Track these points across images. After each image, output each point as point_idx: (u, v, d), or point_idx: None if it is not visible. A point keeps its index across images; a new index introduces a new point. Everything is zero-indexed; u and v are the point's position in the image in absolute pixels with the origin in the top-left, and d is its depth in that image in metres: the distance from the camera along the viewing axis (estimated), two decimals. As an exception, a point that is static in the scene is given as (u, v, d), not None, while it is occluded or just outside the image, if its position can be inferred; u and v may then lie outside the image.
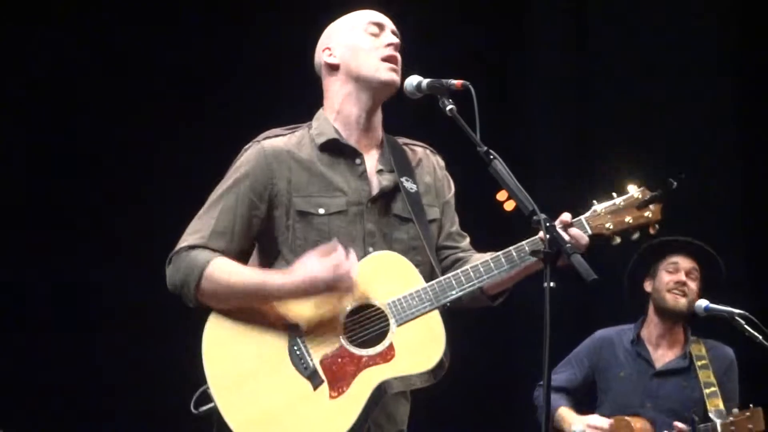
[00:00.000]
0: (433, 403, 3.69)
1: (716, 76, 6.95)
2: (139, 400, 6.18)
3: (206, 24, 6.55)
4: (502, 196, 3.45)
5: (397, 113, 3.75)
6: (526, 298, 3.71)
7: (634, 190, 3.69)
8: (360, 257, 3.52)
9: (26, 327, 6.31)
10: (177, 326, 3.91)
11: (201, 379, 3.46)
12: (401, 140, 3.77)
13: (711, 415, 5.31)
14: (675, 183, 3.58)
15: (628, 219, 3.65)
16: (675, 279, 5.54)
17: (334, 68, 3.65)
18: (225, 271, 3.48)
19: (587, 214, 3.64)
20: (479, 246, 3.78)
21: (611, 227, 3.63)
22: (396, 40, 3.65)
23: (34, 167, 6.40)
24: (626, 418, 5.45)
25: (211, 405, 3.44)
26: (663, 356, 5.62)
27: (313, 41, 3.76)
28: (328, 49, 3.68)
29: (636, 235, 3.69)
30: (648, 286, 5.67)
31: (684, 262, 5.57)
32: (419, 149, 3.79)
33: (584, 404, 5.66)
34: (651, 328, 5.65)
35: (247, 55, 6.55)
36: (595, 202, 3.66)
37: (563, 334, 3.29)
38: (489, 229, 4.11)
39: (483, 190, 3.65)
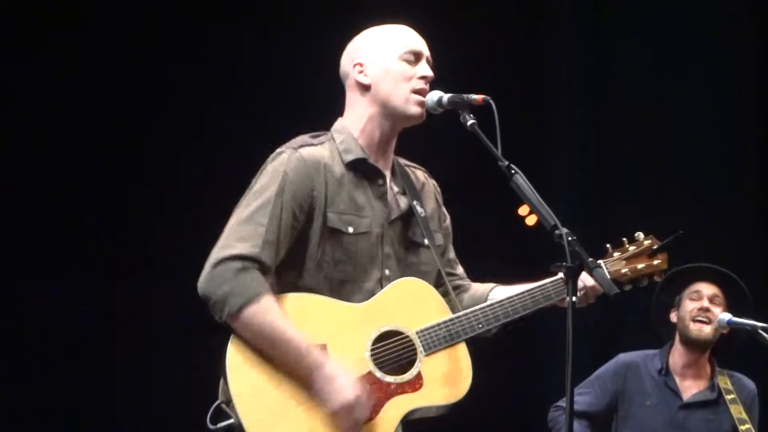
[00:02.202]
0: (450, 425, 3.68)
1: (735, 95, 6.99)
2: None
3: (215, 37, 6.57)
4: (524, 210, 3.47)
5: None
6: (546, 313, 3.73)
7: (642, 237, 3.76)
8: (377, 280, 3.53)
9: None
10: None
11: (220, 393, 3.40)
12: (402, 161, 3.74)
13: None
14: (682, 233, 3.76)
15: (641, 266, 3.78)
16: (698, 306, 5.51)
17: (364, 87, 3.59)
18: (270, 314, 3.36)
19: (605, 258, 3.72)
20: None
21: (627, 273, 3.74)
22: (431, 73, 3.60)
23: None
24: None
25: (230, 421, 3.35)
26: (690, 387, 5.57)
27: (331, 54, 3.74)
28: (360, 65, 3.59)
29: (645, 282, 3.81)
30: (674, 317, 5.63)
31: (706, 289, 5.54)
32: (420, 173, 3.78)
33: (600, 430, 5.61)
34: (677, 357, 5.60)
35: (267, 67, 6.58)
36: (608, 246, 3.70)
37: (581, 356, 3.27)
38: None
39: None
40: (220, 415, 3.38)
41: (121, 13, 6.44)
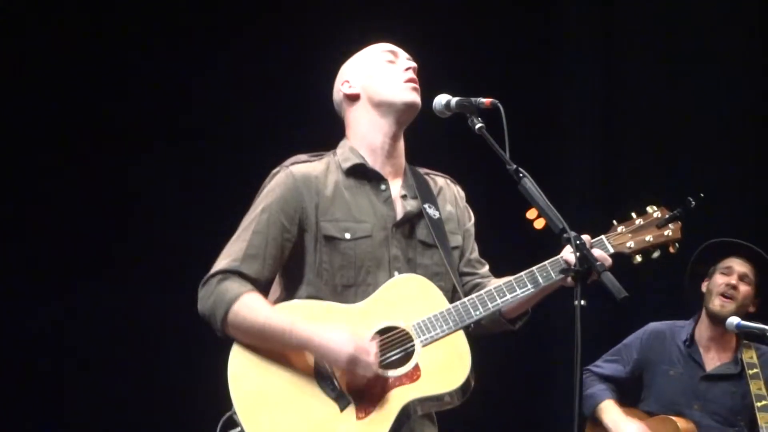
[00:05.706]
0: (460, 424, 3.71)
1: (744, 94, 6.89)
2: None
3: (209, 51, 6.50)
4: (532, 214, 3.45)
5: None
6: (553, 314, 3.72)
7: (652, 210, 3.71)
8: (386, 281, 3.56)
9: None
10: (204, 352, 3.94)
11: (228, 404, 3.48)
12: (422, 170, 3.79)
13: (763, 430, 5.26)
14: (693, 202, 3.61)
15: (649, 238, 3.68)
16: (726, 281, 5.48)
17: (354, 98, 3.69)
18: (253, 309, 3.51)
19: (608, 233, 3.66)
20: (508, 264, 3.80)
21: (632, 246, 3.66)
22: (413, 63, 3.69)
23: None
24: (672, 417, 5.42)
25: (237, 430, 3.45)
26: (713, 359, 5.56)
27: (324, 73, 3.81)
28: (347, 82, 3.71)
29: (656, 254, 3.71)
30: (704, 287, 5.61)
31: (739, 266, 5.51)
32: (440, 179, 3.82)
33: (628, 397, 5.62)
34: (702, 329, 5.59)
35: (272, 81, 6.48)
36: (615, 222, 3.67)
37: (592, 350, 3.28)
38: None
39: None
40: (232, 425, 3.48)
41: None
